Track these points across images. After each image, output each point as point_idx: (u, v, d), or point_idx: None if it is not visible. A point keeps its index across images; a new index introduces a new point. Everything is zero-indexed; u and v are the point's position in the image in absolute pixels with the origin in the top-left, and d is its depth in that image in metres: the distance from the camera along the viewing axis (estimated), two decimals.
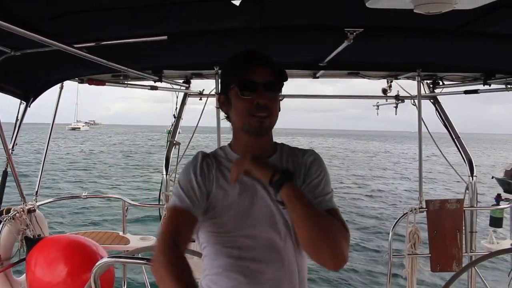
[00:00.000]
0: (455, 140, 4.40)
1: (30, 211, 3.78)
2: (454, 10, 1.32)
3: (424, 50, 2.91)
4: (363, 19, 2.09)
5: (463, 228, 4.01)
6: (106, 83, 3.89)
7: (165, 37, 2.29)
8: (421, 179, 4.25)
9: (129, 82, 3.95)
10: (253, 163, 1.46)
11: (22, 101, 3.49)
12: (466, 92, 4.05)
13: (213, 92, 4.11)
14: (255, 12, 1.89)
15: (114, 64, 2.79)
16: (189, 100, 4.58)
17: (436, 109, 4.50)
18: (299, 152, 1.62)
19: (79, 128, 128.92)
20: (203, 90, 4.46)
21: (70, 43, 2.17)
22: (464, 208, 4.03)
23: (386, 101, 4.69)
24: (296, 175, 1.52)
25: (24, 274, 3.49)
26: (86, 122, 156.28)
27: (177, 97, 4.46)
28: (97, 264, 1.99)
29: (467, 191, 4.31)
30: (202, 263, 1.58)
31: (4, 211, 3.58)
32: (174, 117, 4.56)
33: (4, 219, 3.52)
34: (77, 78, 3.72)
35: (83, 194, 4.82)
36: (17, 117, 3.57)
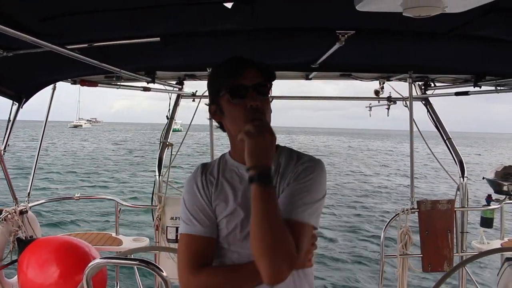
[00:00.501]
0: (446, 141, 4.44)
1: (22, 212, 3.76)
2: (444, 13, 1.33)
3: (416, 52, 2.94)
4: (354, 21, 2.11)
5: (454, 228, 4.05)
6: (99, 84, 3.89)
7: (157, 39, 2.29)
8: (412, 180, 4.29)
9: (122, 83, 3.95)
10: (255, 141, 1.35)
11: (15, 102, 3.48)
12: (457, 94, 4.10)
13: (206, 93, 4.12)
14: (246, 14, 1.90)
15: (106, 65, 2.78)
16: (189, 99, 4.59)
17: (428, 111, 4.54)
18: (296, 157, 1.55)
19: (81, 125, 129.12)
20: (196, 91, 4.47)
21: (62, 44, 2.17)
22: (455, 209, 4.06)
23: (379, 102, 4.72)
24: (284, 178, 1.49)
25: (16, 276, 3.47)
26: (88, 120, 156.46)
27: (170, 98, 4.46)
28: (89, 265, 1.98)
29: (458, 192, 4.35)
30: None
31: None
32: (167, 118, 4.56)
33: None
34: (69, 79, 3.71)
35: (76, 195, 4.80)
36: (9, 118, 3.56)
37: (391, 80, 4.22)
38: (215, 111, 1.55)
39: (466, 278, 4.23)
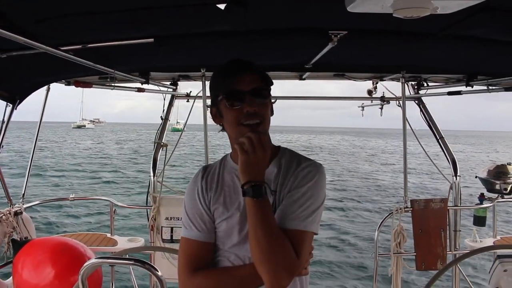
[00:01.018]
0: (439, 140, 4.47)
1: (17, 214, 3.76)
2: (434, 14, 1.35)
3: (408, 52, 2.96)
4: (346, 22, 2.12)
5: (447, 227, 4.08)
6: (93, 85, 3.89)
7: (151, 40, 2.30)
8: (405, 179, 4.32)
9: (116, 84, 3.94)
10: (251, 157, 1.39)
11: (8, 103, 3.47)
12: (449, 93, 4.13)
13: (200, 94, 4.14)
14: (239, 15, 1.92)
15: (100, 67, 2.79)
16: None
17: (421, 110, 4.57)
18: (297, 162, 1.55)
19: (84, 125, 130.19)
20: (190, 92, 4.48)
21: (56, 45, 2.18)
22: (448, 208, 4.09)
23: (372, 102, 4.74)
24: (286, 182, 1.50)
25: (11, 277, 3.46)
26: (91, 120, 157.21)
27: (164, 99, 4.47)
28: (84, 265, 1.98)
29: (451, 191, 4.38)
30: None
31: None
32: (162, 118, 4.56)
33: None
34: (63, 80, 3.71)
35: (71, 196, 4.80)
36: (3, 119, 3.54)
37: (384, 80, 4.25)
38: (216, 114, 1.57)
39: (459, 276, 4.26)
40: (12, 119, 3.51)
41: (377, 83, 4.40)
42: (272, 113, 1.55)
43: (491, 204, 4.41)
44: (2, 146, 3.64)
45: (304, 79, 4.01)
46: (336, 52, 2.54)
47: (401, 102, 4.28)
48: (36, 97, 3.78)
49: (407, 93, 4.25)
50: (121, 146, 54.83)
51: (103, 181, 24.53)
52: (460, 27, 2.05)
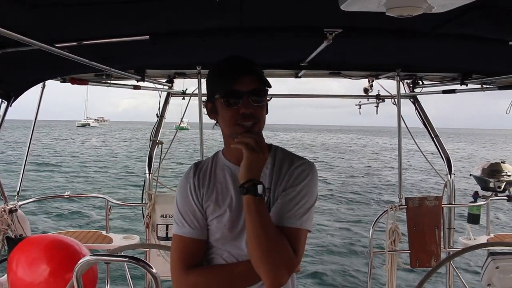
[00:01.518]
0: (434, 138, 4.49)
1: (11, 211, 3.75)
2: (426, 13, 1.36)
3: (403, 51, 2.97)
4: (341, 20, 2.12)
5: (442, 224, 4.10)
6: (89, 83, 3.87)
7: (147, 37, 2.30)
8: (400, 177, 4.34)
9: (111, 82, 3.94)
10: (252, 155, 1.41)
11: (3, 101, 3.46)
12: (444, 91, 4.14)
13: (195, 92, 4.14)
14: (235, 12, 1.92)
15: (96, 64, 2.78)
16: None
17: (416, 108, 4.59)
18: (289, 161, 1.57)
19: (89, 124, 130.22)
20: (186, 89, 4.48)
21: (51, 42, 2.17)
22: (442, 205, 4.11)
23: (368, 100, 4.76)
24: (280, 180, 1.52)
25: (6, 275, 3.46)
26: (95, 119, 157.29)
27: (160, 96, 4.47)
28: (79, 262, 1.98)
29: (445, 189, 4.40)
30: None
31: None
32: (157, 116, 4.56)
33: None
34: (59, 77, 3.70)
35: (66, 194, 4.80)
36: None
37: (380, 78, 4.26)
38: (211, 109, 1.56)
39: (453, 274, 4.29)
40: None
41: (373, 81, 4.41)
42: (267, 112, 1.55)
43: (485, 202, 4.44)
44: None
45: (299, 77, 4.02)
46: (331, 50, 2.54)
47: (396, 100, 4.30)
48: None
49: (402, 91, 4.26)
50: (127, 144, 54.86)
51: (108, 179, 24.57)
52: (452, 26, 2.06)
